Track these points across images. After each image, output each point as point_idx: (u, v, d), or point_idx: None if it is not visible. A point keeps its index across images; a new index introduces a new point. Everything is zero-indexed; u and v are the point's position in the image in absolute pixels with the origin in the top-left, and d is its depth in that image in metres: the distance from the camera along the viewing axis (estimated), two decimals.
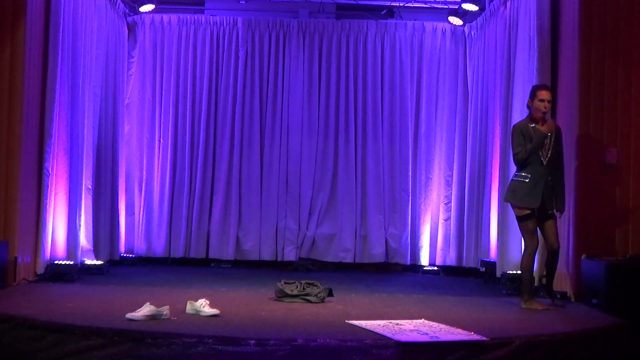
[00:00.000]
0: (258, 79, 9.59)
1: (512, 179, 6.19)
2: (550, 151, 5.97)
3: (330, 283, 6.49)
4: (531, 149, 5.92)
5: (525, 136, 5.98)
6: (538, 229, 6.06)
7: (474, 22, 9.40)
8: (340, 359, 4.19)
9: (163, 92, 9.56)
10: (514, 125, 6.21)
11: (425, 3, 9.63)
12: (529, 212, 5.96)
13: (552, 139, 5.98)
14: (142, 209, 9.46)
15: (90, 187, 8.03)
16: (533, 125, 6.01)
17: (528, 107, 6.14)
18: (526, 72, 7.45)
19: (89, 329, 4.38)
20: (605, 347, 4.88)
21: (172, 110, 9.51)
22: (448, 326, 4.81)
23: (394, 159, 9.56)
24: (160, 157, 9.53)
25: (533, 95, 6.10)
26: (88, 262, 7.79)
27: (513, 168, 7.52)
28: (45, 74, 6.95)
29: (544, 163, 5.95)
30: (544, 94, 6.05)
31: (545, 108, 6.01)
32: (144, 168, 9.52)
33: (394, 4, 9.62)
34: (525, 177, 5.97)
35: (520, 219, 6.04)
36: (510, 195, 6.13)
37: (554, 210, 6.05)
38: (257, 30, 9.64)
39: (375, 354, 4.21)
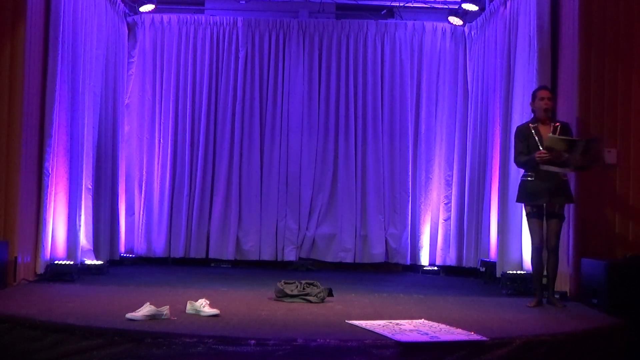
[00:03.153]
0: (258, 79, 9.59)
1: (520, 178, 6.29)
2: None
3: (330, 283, 6.48)
4: (527, 160, 6.01)
5: (527, 138, 6.08)
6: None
7: (474, 22, 9.40)
8: (340, 359, 4.19)
9: (163, 92, 9.56)
10: (517, 127, 6.36)
11: (425, 3, 9.62)
12: (530, 210, 6.07)
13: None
14: (142, 209, 9.46)
15: (90, 187, 8.03)
16: (535, 125, 6.11)
17: (532, 110, 6.26)
18: (526, 72, 7.45)
19: (89, 329, 4.37)
20: (605, 347, 4.88)
21: (172, 110, 9.52)
22: (448, 326, 4.81)
23: (394, 159, 9.56)
24: (160, 157, 9.53)
25: (533, 97, 6.27)
26: (88, 262, 7.79)
27: (513, 168, 7.55)
28: (45, 74, 6.95)
29: None
30: (543, 92, 6.21)
31: (546, 105, 6.10)
32: (144, 168, 9.52)
33: (394, 4, 9.62)
34: (530, 176, 6.08)
35: (526, 217, 6.21)
36: (518, 194, 6.27)
37: (560, 208, 6.07)
38: (257, 30, 9.64)
39: (375, 354, 4.20)
